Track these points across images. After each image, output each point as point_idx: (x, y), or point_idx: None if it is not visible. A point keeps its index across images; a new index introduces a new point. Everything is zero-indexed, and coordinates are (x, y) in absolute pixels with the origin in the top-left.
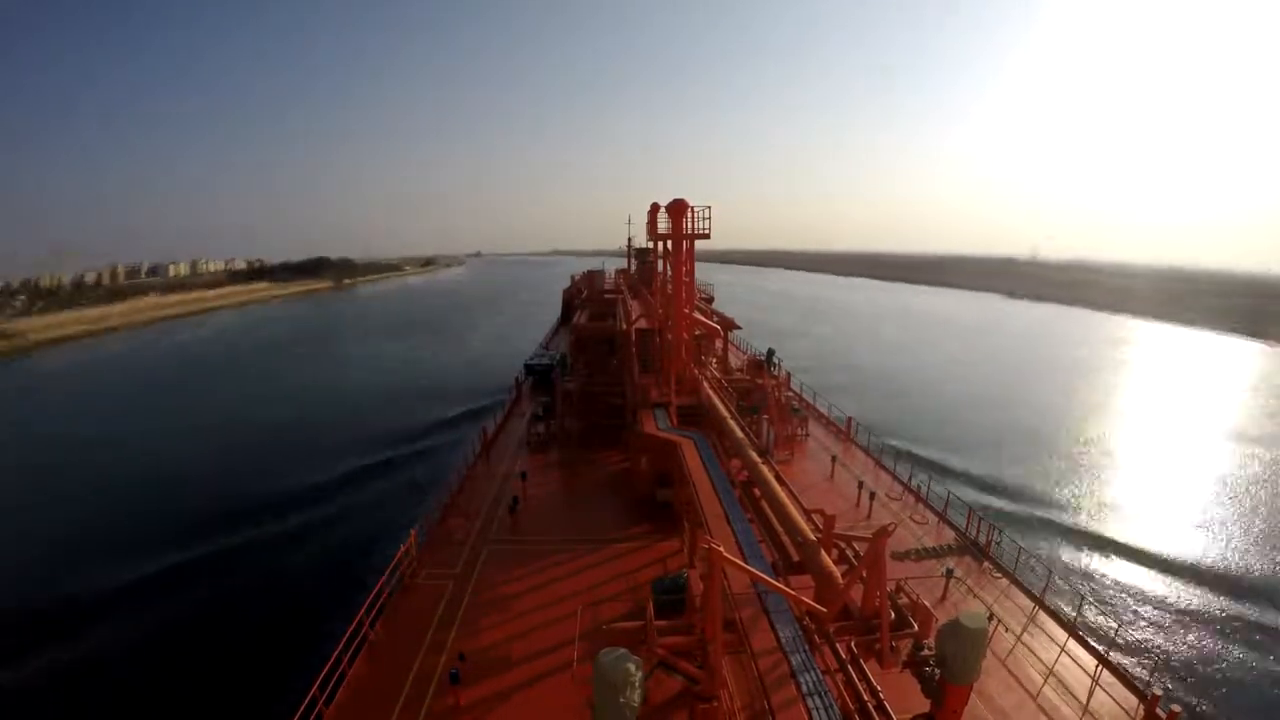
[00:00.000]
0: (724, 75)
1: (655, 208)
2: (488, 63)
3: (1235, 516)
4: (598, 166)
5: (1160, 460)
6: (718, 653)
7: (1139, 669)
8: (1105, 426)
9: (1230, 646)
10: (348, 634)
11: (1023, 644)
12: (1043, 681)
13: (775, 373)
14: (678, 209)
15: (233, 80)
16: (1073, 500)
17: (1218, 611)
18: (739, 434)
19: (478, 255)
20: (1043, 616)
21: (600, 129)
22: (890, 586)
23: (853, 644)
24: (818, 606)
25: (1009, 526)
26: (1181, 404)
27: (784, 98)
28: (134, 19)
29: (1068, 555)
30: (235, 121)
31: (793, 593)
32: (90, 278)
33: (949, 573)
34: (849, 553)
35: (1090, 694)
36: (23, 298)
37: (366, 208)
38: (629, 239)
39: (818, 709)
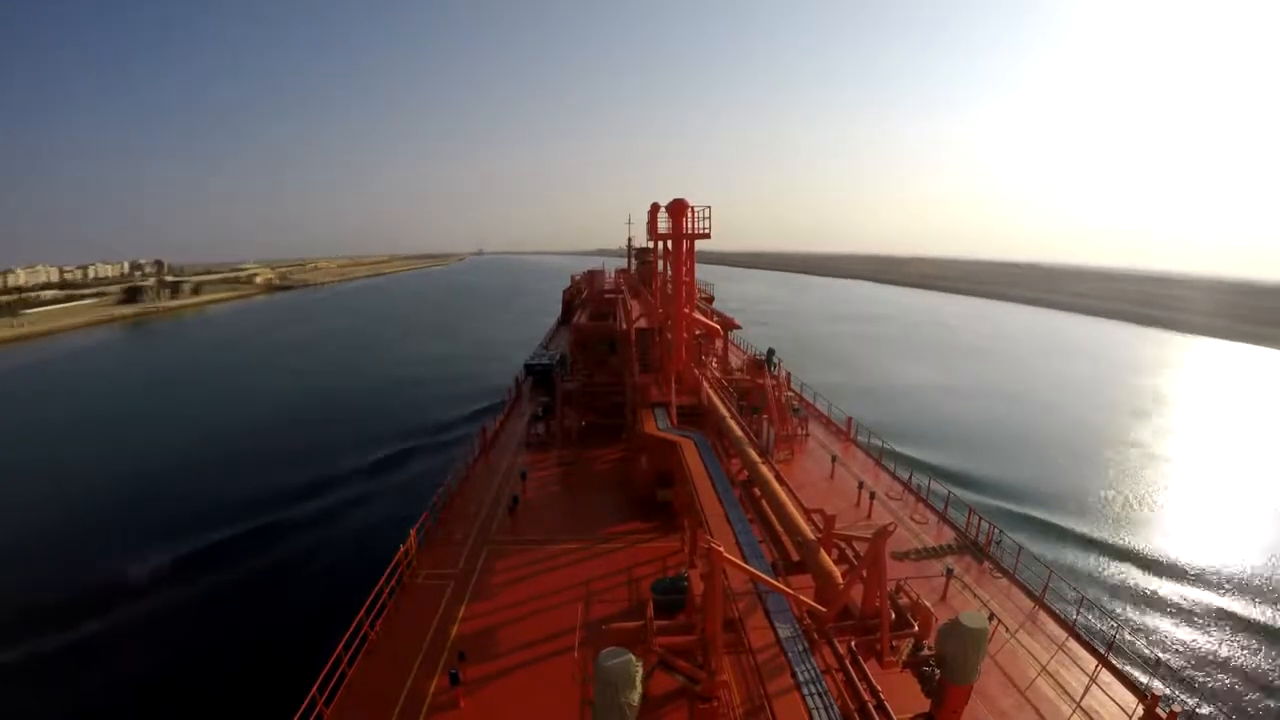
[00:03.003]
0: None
1: (655, 207)
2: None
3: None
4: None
5: None
6: (718, 653)
7: (1139, 669)
8: None
9: (1230, 647)
10: (348, 634)
11: (1022, 644)
12: (1043, 681)
13: (775, 372)
14: (677, 209)
15: (231, 76)
16: None
17: (1219, 612)
18: (739, 433)
19: (479, 254)
20: (1043, 616)
21: (642, 123)
22: (890, 586)
23: (852, 644)
24: (818, 606)
25: None
26: None
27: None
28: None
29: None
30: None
31: (793, 592)
32: None
33: (949, 572)
34: (849, 552)
35: (1090, 694)
36: None
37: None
38: (629, 238)
39: (817, 709)
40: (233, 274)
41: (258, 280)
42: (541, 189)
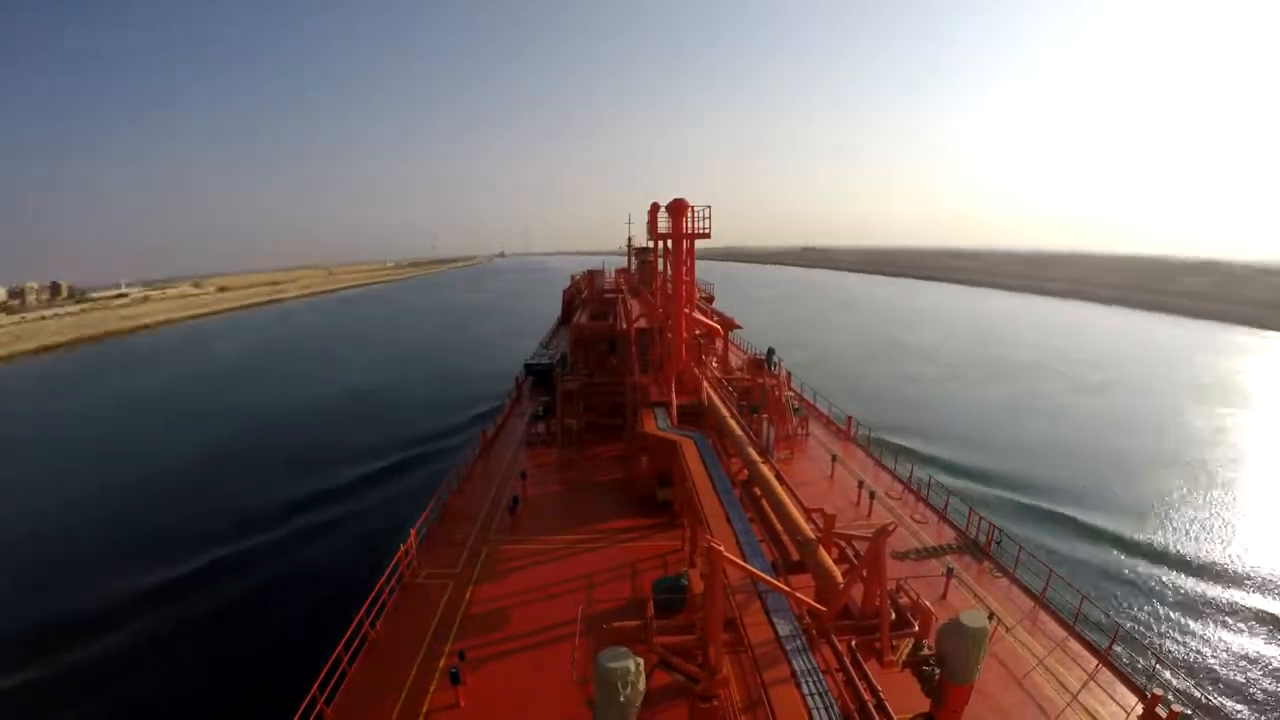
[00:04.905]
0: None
1: (655, 207)
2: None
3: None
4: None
5: None
6: (718, 652)
7: (1139, 668)
8: None
9: (1231, 646)
10: (348, 634)
11: (1023, 643)
12: (1043, 680)
13: (775, 372)
14: (678, 208)
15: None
16: None
17: (1220, 610)
18: (739, 433)
19: (502, 255)
20: (1043, 615)
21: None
22: (890, 586)
23: (852, 643)
24: (818, 606)
25: None
26: None
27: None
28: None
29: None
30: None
31: (793, 592)
32: None
33: (949, 572)
34: (849, 552)
35: (1090, 693)
36: None
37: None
38: (629, 238)
39: (817, 708)
40: None
41: None
42: (588, 185)
